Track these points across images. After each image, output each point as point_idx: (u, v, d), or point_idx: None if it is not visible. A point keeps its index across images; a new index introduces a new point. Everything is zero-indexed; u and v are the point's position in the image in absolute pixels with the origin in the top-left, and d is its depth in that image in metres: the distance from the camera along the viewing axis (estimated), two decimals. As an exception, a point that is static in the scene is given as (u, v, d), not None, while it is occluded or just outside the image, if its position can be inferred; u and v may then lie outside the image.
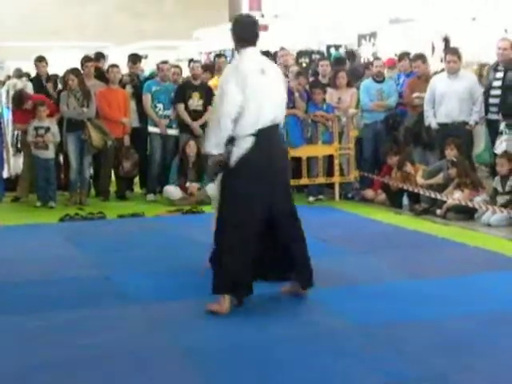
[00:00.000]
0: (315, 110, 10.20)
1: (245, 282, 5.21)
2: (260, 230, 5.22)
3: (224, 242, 5.21)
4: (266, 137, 5.17)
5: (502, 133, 9.06)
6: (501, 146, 8.98)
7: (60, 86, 11.23)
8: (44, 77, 11.14)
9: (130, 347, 4.59)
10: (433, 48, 13.18)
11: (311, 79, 11.21)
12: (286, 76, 10.76)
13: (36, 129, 9.92)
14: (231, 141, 5.14)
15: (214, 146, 5.19)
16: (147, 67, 16.85)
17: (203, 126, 10.30)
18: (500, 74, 9.18)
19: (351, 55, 12.90)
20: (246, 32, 5.31)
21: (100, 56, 11.97)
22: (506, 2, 11.84)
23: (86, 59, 10.90)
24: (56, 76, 11.79)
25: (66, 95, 10.03)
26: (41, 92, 10.84)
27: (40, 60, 11.18)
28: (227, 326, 4.92)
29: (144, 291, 5.80)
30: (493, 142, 9.26)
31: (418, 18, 13.99)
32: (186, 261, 6.80)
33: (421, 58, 10.49)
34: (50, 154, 10.00)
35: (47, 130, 9.92)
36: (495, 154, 9.03)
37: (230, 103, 5.05)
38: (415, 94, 9.93)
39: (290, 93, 10.01)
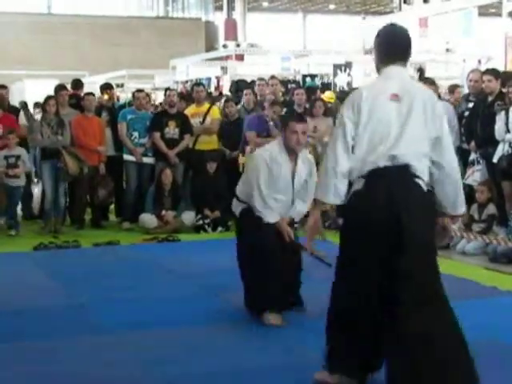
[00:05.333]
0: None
1: (351, 363, 4.12)
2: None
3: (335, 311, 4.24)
4: (382, 179, 3.91)
5: (472, 163, 9.13)
6: (472, 176, 9.04)
7: (36, 115, 11.02)
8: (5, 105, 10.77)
9: (104, 377, 4.52)
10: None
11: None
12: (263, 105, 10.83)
13: (6, 158, 9.82)
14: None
15: (323, 192, 4.16)
16: (123, 96, 16.84)
17: (179, 155, 10.36)
18: (471, 105, 9.29)
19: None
20: (389, 46, 4.10)
21: (79, 84, 11.88)
22: (480, 33, 12.02)
23: (60, 88, 10.84)
24: (24, 104, 11.43)
25: (38, 124, 9.94)
26: None
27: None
28: (206, 357, 4.86)
29: (119, 320, 5.72)
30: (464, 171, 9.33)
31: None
32: (162, 290, 6.76)
33: None
34: (20, 181, 9.93)
35: (18, 158, 9.83)
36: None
37: (340, 133, 4.01)
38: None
39: (265, 121, 10.09)
